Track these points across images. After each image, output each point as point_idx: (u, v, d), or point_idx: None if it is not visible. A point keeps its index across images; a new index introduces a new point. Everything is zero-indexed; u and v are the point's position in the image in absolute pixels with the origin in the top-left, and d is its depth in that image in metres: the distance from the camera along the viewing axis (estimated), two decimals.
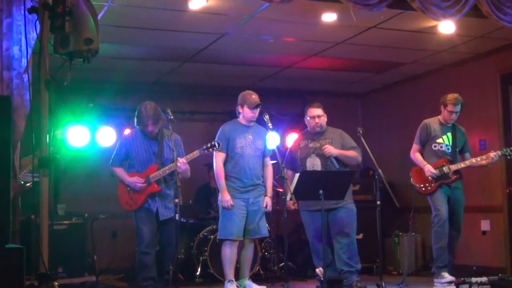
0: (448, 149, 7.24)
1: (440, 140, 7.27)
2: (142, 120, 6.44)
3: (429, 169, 7.14)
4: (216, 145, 6.45)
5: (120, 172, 6.57)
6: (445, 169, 7.11)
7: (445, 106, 7.25)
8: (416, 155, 7.37)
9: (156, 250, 6.49)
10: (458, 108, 7.20)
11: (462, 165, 7.12)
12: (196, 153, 6.47)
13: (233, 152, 6.81)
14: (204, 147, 6.45)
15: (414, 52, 8.37)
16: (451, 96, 7.23)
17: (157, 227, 6.49)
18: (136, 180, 6.43)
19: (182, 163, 6.35)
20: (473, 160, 7.13)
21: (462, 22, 6.85)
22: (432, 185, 7.17)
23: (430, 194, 7.18)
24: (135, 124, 6.56)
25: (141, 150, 6.53)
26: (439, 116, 7.35)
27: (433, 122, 7.36)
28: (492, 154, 7.09)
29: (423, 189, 7.25)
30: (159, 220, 6.46)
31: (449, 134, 7.27)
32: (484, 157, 7.12)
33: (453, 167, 7.11)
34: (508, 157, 7.20)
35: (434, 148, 7.28)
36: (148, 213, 6.44)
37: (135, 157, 6.53)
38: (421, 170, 7.26)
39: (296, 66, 8.93)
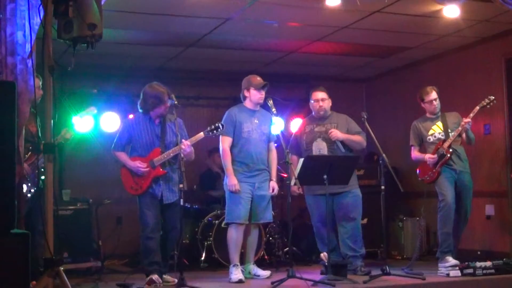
0: (442, 135, 7.24)
1: (431, 132, 7.31)
2: (161, 97, 6.43)
3: (429, 156, 7.18)
4: (221, 126, 6.47)
5: (123, 156, 6.58)
6: (440, 149, 7.14)
7: (423, 100, 7.34)
8: (416, 155, 7.44)
9: (160, 235, 6.52)
10: (434, 95, 7.26)
11: (452, 138, 7.12)
12: (200, 135, 6.49)
13: (239, 137, 6.82)
14: (209, 128, 6.49)
15: (418, 37, 8.34)
16: (422, 90, 7.35)
17: (161, 212, 6.51)
18: (138, 165, 6.44)
19: (186, 145, 6.36)
20: (458, 129, 7.12)
21: (467, 6, 6.82)
22: (434, 170, 7.18)
23: (435, 181, 7.19)
24: (143, 107, 6.55)
25: (144, 133, 6.54)
26: (426, 113, 7.40)
27: (421, 120, 7.45)
28: (466, 120, 7.09)
29: (428, 178, 7.28)
30: (163, 204, 6.48)
31: (438, 123, 7.29)
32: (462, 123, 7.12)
33: (446, 144, 7.12)
34: (488, 106, 7.19)
35: (429, 141, 7.33)
36: (152, 198, 6.46)
37: (138, 140, 6.54)
38: (424, 164, 7.30)
39: (301, 51, 8.91)
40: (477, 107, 7.15)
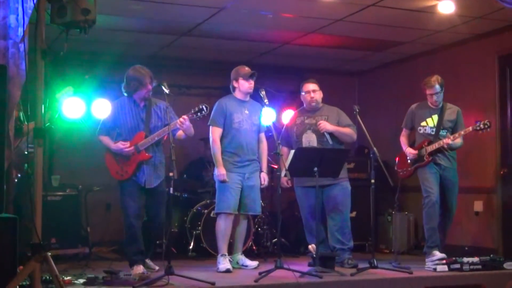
0: (432, 131, 7.23)
1: (424, 123, 7.28)
2: (142, 80, 6.41)
3: (409, 152, 7.21)
4: (205, 108, 6.42)
5: (106, 140, 6.55)
6: (422, 151, 7.14)
7: (424, 90, 7.26)
8: (401, 139, 7.44)
9: (143, 221, 6.52)
10: (436, 89, 7.15)
11: (436, 145, 7.08)
12: (185, 118, 6.46)
13: (230, 127, 6.82)
14: (192, 111, 6.42)
15: (413, 32, 8.34)
16: (427, 79, 7.23)
17: (145, 199, 6.50)
18: (120, 146, 6.41)
19: (184, 119, 6.34)
20: (443, 141, 7.06)
21: (462, 2, 6.83)
22: (409, 169, 7.21)
23: (408, 178, 7.22)
24: (127, 91, 6.53)
25: (129, 116, 6.52)
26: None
27: (420, 106, 7.39)
28: (445, 141, 7.03)
29: (401, 173, 7.32)
30: (145, 189, 6.46)
31: (435, 116, 7.25)
32: (451, 137, 7.07)
33: (429, 148, 7.11)
34: (480, 132, 7.08)
35: (420, 132, 7.32)
36: (135, 185, 6.44)
37: (123, 124, 6.52)
38: (404, 155, 7.30)
39: (294, 42, 8.90)
40: (470, 128, 7.05)
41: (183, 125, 6.34)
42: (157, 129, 6.47)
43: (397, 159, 7.49)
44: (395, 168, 7.46)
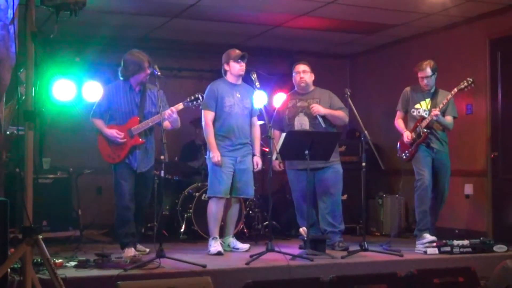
0: (425, 113, 7.23)
1: (417, 106, 7.29)
2: (141, 64, 6.39)
3: (407, 135, 7.19)
4: (200, 97, 6.46)
5: (99, 123, 6.51)
6: (418, 128, 7.15)
7: (416, 73, 7.26)
8: (397, 122, 7.43)
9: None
10: (427, 72, 7.17)
11: (429, 118, 7.08)
12: (180, 106, 6.47)
13: (221, 111, 6.81)
14: (188, 99, 6.47)
15: (404, 15, 8.32)
16: (419, 63, 7.25)
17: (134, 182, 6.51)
18: (116, 134, 6.39)
19: (172, 111, 6.35)
20: (432, 113, 7.04)
21: None
22: (410, 149, 7.21)
23: (411, 159, 7.23)
24: (124, 74, 6.50)
25: (123, 101, 6.49)
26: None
27: (414, 89, 7.39)
28: (434, 112, 7.03)
29: (404, 157, 7.32)
30: (137, 173, 6.47)
31: (428, 100, 7.26)
32: (437, 108, 7.08)
33: (423, 124, 7.12)
34: (465, 89, 7.15)
35: (413, 114, 7.33)
36: (128, 169, 6.45)
37: (117, 108, 6.49)
38: (403, 139, 7.31)
39: (286, 25, 8.86)
40: (455, 90, 7.10)
41: (170, 117, 6.35)
42: (150, 115, 6.46)
43: (398, 144, 7.46)
44: (398, 154, 7.43)
